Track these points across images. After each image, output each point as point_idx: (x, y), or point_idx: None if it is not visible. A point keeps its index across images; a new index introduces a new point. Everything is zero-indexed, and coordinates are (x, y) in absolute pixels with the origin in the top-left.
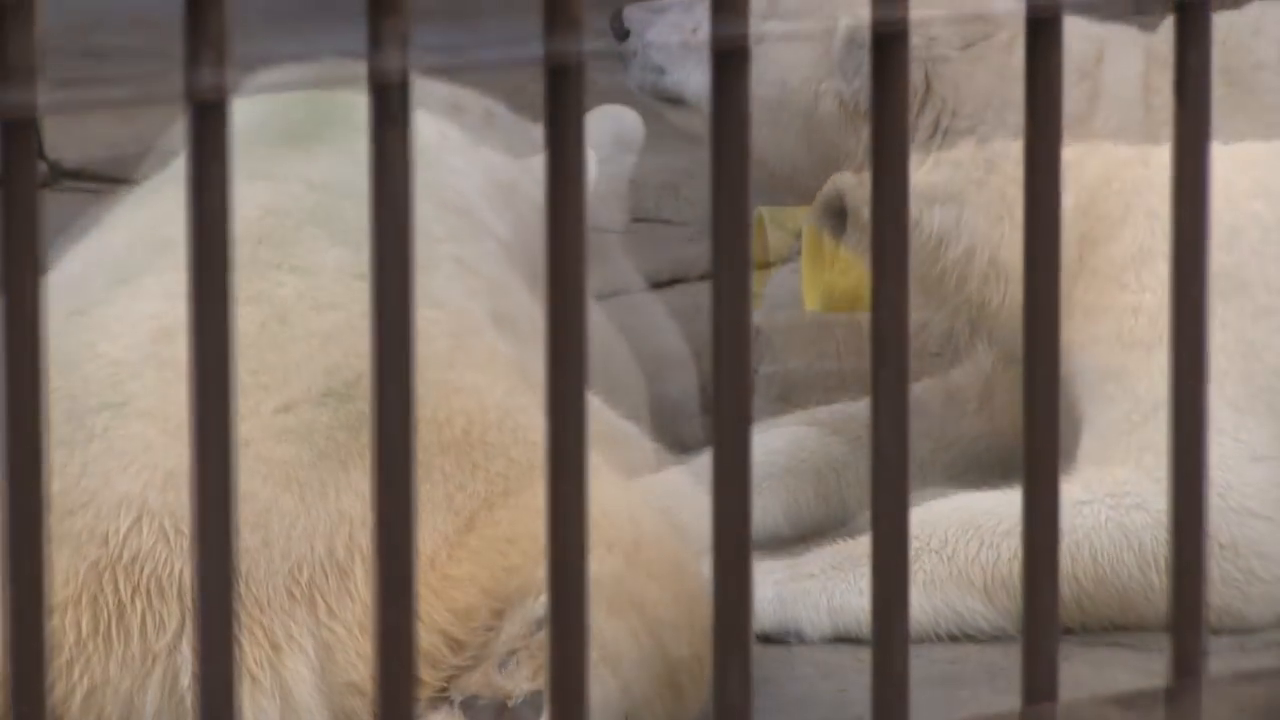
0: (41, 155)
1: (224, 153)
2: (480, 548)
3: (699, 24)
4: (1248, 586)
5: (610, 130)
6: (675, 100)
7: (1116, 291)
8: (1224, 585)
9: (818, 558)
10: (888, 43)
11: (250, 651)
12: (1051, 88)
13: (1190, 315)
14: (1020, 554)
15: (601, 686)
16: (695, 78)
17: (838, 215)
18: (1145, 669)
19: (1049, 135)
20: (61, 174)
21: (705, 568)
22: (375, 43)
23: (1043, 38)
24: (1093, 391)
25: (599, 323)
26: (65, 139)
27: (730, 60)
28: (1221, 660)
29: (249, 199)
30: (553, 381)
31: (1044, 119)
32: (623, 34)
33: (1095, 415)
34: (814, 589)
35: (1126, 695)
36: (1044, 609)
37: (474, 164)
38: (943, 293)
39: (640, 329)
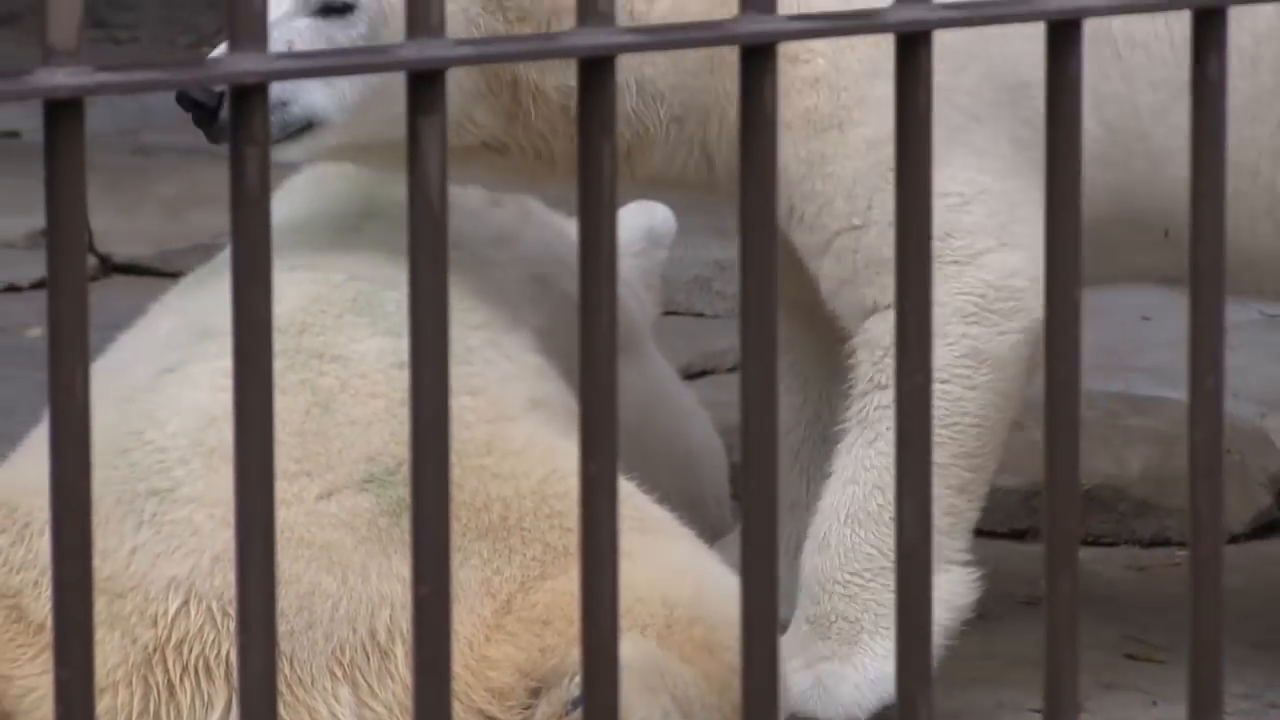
0: (92, 249)
1: (266, 246)
2: (517, 630)
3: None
4: None
5: (643, 225)
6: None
7: None
8: None
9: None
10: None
11: None
12: (1073, 90)
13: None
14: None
15: None
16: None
17: None
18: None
19: (1068, 142)
20: (111, 268)
21: (735, 647)
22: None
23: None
24: None
25: (633, 408)
26: (115, 235)
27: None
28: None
29: (291, 289)
30: (586, 467)
31: (1065, 121)
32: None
33: None
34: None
35: None
36: (1063, 667)
37: (510, 256)
38: None
39: (673, 419)
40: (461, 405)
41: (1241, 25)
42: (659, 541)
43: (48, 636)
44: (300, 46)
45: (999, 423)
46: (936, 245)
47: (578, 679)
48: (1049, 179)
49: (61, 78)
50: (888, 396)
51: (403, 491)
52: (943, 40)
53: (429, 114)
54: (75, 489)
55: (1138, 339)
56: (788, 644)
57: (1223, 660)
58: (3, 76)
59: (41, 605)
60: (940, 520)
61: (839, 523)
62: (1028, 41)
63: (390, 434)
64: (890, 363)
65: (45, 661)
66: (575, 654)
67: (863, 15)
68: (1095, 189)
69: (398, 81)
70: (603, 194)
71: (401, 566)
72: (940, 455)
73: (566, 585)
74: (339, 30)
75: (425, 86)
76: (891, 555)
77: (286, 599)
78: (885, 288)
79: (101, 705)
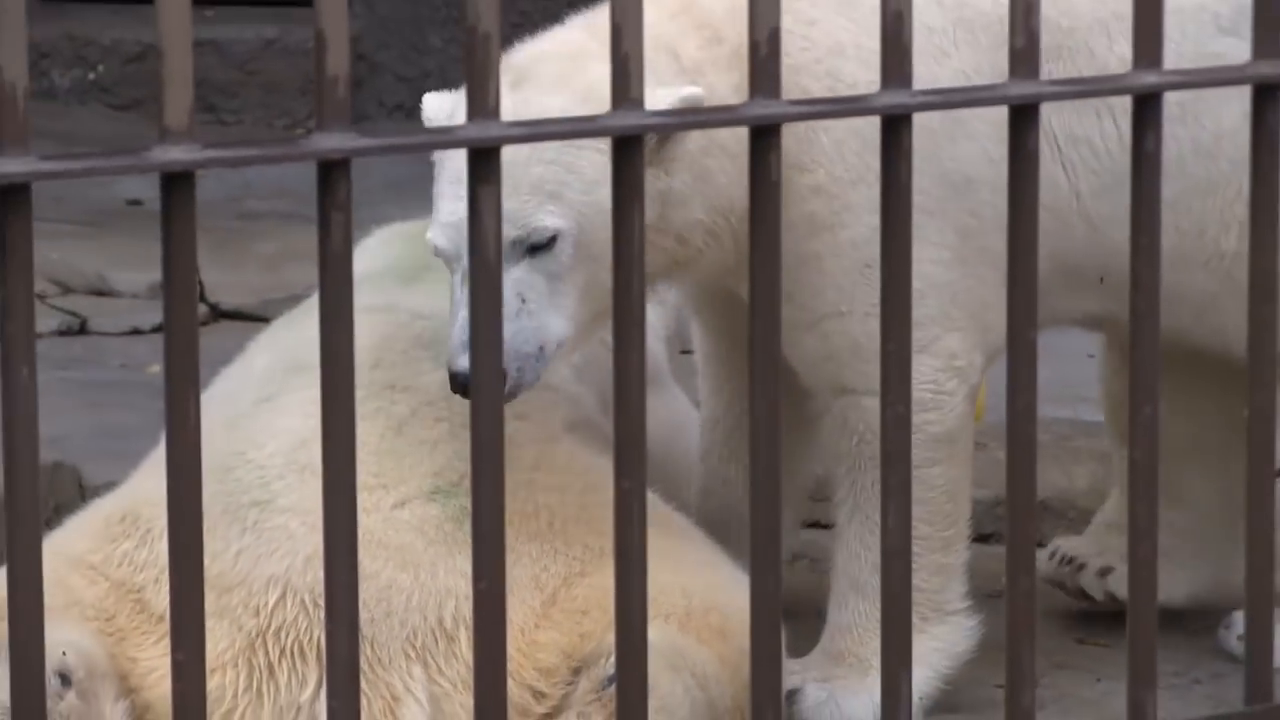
0: (202, 299)
1: (349, 295)
2: (560, 618)
3: None
4: None
5: None
6: None
7: None
8: None
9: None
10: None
11: (374, 702)
12: (1031, 162)
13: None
14: None
15: None
16: None
17: None
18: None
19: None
20: (220, 314)
21: (745, 632)
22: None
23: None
24: None
25: (657, 432)
26: (222, 287)
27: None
28: None
29: (366, 328)
30: (619, 483)
31: (1024, 191)
32: None
33: None
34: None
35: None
36: (1023, 650)
37: None
38: None
39: (690, 441)
40: (513, 428)
41: (1203, 123)
42: (679, 543)
43: (166, 625)
44: (524, 292)
45: (962, 479)
46: None
47: (612, 659)
48: (1010, 239)
49: (176, 154)
50: (869, 478)
51: (465, 501)
52: None
53: (486, 184)
54: (189, 501)
55: (1084, 373)
56: (805, 663)
57: (1155, 644)
58: (127, 153)
59: (161, 599)
60: (931, 580)
61: (853, 592)
62: (972, 141)
63: (454, 452)
64: (867, 447)
65: (164, 646)
66: (610, 639)
67: (854, 100)
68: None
69: (607, 292)
70: (633, 253)
71: (464, 564)
72: (919, 530)
73: (603, 581)
74: (550, 262)
75: (482, 161)
76: None
77: (367, 592)
78: (860, 373)
79: (212, 683)
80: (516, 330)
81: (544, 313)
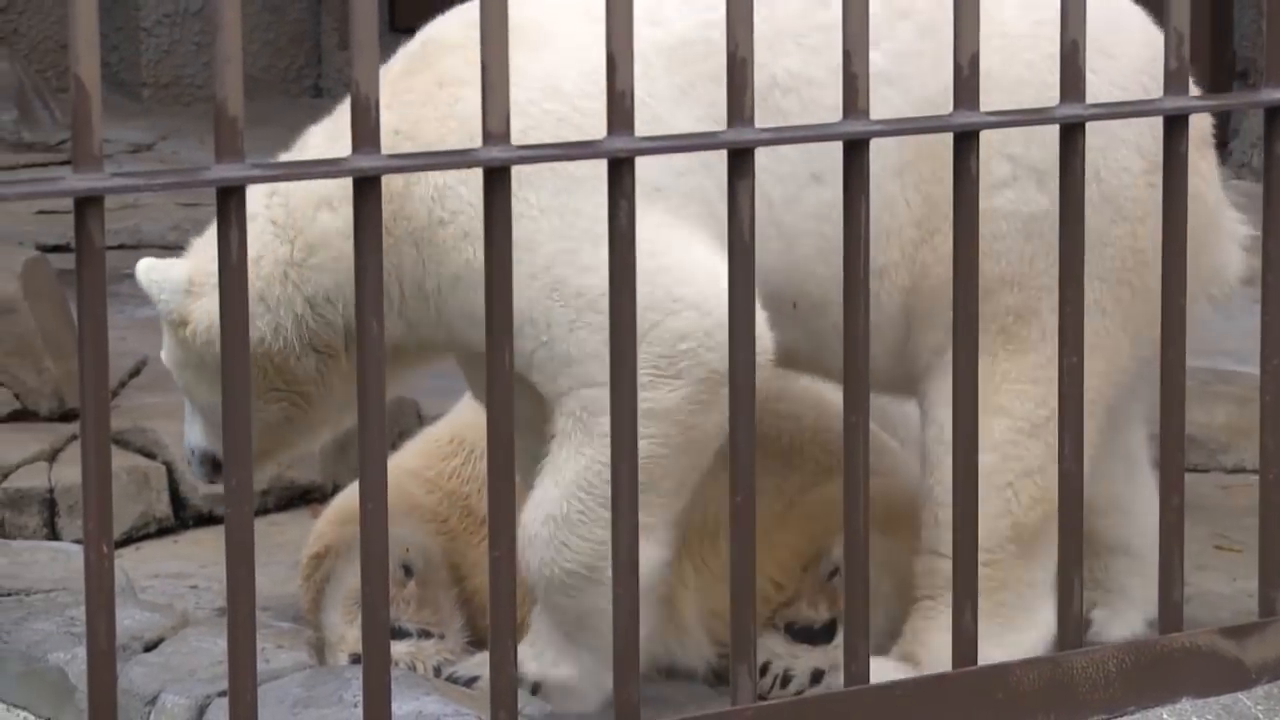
0: None
1: None
2: (795, 522)
3: None
4: None
5: None
6: None
7: None
8: None
9: None
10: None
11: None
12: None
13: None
14: None
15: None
16: None
17: None
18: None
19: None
20: None
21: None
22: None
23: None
24: None
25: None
26: None
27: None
28: None
29: None
30: (847, 416)
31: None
32: None
33: None
34: None
35: (1231, 629)
36: (1173, 555)
37: None
38: None
39: None
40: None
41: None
42: (891, 461)
43: (486, 528)
44: None
45: (679, 465)
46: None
47: (835, 555)
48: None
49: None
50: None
51: None
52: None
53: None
54: (503, 427)
55: (1221, 329)
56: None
57: None
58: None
59: (483, 506)
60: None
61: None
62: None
63: None
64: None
65: (485, 545)
66: (830, 540)
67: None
68: None
69: None
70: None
71: (724, 479)
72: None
73: (831, 492)
74: None
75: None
76: None
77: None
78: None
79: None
80: None
81: None
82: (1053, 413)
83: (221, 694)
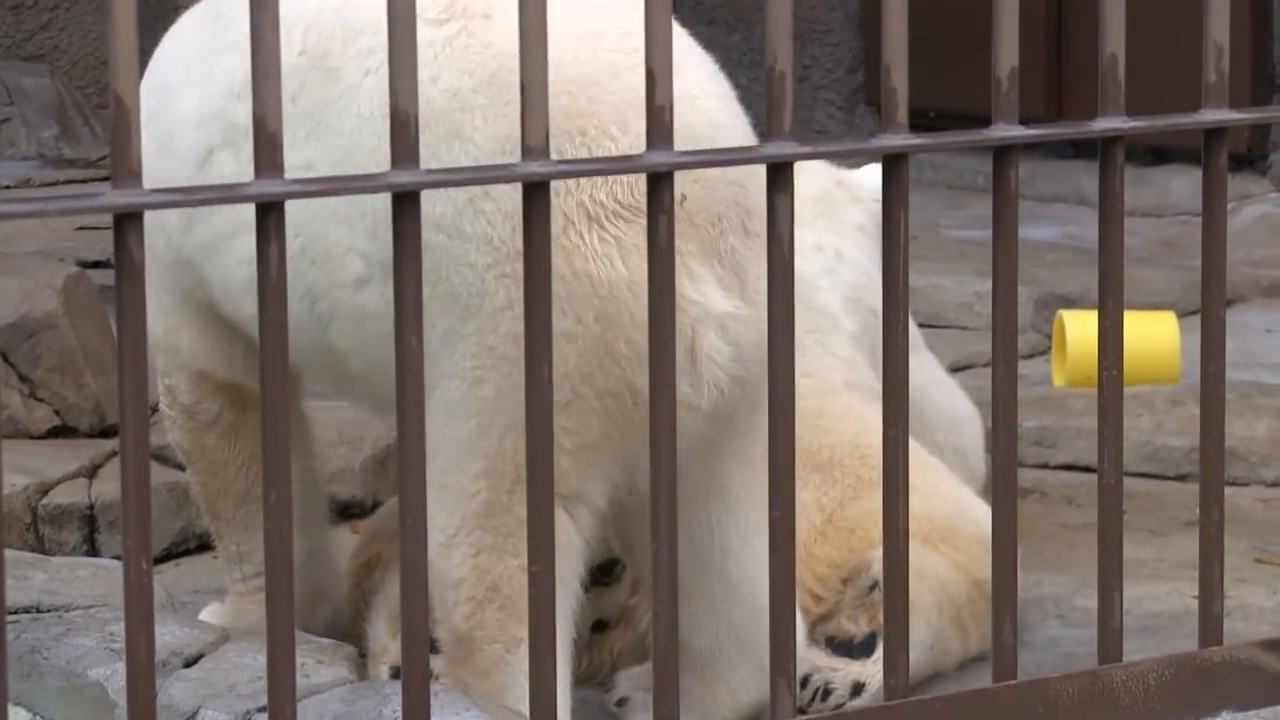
0: None
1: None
2: (835, 535)
3: None
4: None
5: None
6: None
7: None
8: None
9: None
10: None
11: None
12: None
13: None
14: None
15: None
16: None
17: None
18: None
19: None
20: None
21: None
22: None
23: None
24: None
25: (916, 388)
26: None
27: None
28: None
29: None
30: (886, 429)
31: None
32: None
33: None
34: None
35: (1271, 642)
36: (1213, 568)
37: (833, 283)
38: None
39: (942, 395)
40: (801, 384)
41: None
42: (932, 477)
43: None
44: None
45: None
46: None
47: (877, 568)
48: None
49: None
50: None
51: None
52: None
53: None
54: (542, 447)
55: (1262, 345)
56: None
57: None
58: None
59: None
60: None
61: None
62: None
63: None
64: None
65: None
66: (871, 554)
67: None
68: None
69: None
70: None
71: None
72: None
73: (870, 505)
74: None
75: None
76: None
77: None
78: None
79: None
80: None
81: None
82: None
83: (261, 709)
